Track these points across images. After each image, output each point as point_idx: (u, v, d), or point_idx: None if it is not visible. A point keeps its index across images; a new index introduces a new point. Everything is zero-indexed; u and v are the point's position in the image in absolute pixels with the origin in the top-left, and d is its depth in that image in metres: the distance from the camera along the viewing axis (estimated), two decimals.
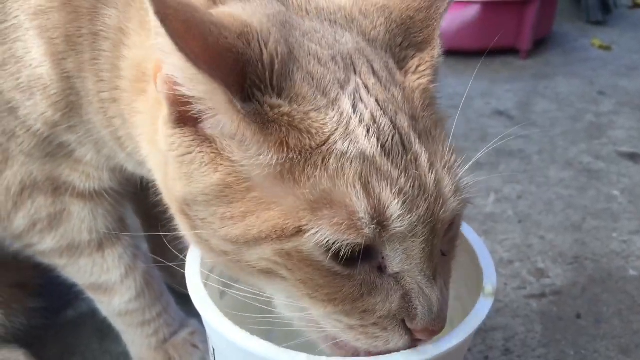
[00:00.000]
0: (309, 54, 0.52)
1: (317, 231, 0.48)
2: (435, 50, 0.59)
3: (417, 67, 0.58)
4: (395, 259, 0.51)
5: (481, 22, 2.11)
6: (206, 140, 0.52)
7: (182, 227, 0.59)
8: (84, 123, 0.69)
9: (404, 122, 0.52)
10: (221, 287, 0.68)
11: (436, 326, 0.52)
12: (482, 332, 1.00)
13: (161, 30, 0.44)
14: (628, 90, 1.95)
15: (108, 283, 0.84)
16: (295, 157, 0.49)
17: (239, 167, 0.50)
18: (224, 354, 0.58)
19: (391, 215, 0.48)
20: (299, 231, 0.49)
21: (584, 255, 1.20)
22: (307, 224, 0.48)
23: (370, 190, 0.48)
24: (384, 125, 0.51)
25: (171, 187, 0.56)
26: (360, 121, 0.50)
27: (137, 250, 0.86)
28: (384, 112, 0.52)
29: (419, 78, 0.57)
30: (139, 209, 1.02)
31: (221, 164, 0.51)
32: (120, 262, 0.83)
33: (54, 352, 0.96)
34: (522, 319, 1.04)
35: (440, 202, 0.51)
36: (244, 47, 0.48)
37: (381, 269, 0.52)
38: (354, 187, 0.48)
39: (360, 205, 0.48)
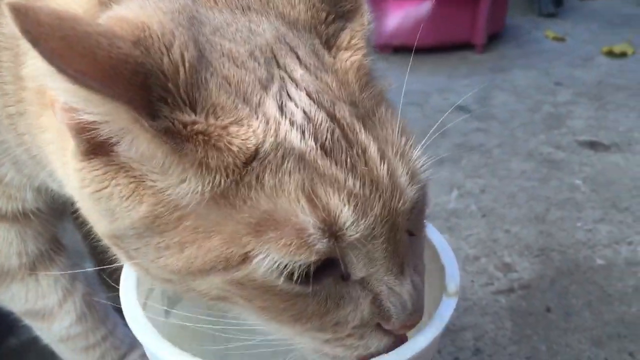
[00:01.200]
0: (223, 54, 0.46)
1: (265, 256, 0.42)
2: (365, 17, 0.52)
3: (349, 41, 0.51)
4: (357, 265, 0.46)
5: (435, 18, 2.10)
6: (121, 169, 0.44)
7: (119, 257, 0.52)
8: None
9: (343, 111, 0.46)
10: (164, 308, 0.62)
11: (413, 320, 0.48)
12: (450, 332, 0.96)
13: (35, 54, 0.37)
14: (584, 80, 1.95)
15: (45, 308, 0.77)
16: (221, 179, 0.43)
17: (165, 196, 0.44)
18: None
19: (344, 224, 0.43)
20: (246, 258, 0.43)
21: (550, 247, 1.18)
22: (252, 250, 0.43)
23: (316, 201, 0.42)
24: (320, 121, 0.45)
25: (94, 222, 0.49)
26: (292, 123, 0.44)
27: (75, 271, 0.80)
28: (318, 106, 0.46)
29: (352, 54, 0.51)
30: (79, 225, 0.95)
31: (145, 194, 0.44)
32: (57, 286, 0.77)
33: None
34: (491, 317, 1.01)
35: (398, 195, 0.45)
36: (142, 56, 0.40)
37: (345, 277, 0.47)
38: (297, 201, 0.42)
39: (308, 221, 0.42)
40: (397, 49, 2.00)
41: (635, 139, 1.58)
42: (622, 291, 1.06)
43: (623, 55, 2.13)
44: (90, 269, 0.96)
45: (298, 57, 0.48)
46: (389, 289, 0.47)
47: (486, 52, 2.19)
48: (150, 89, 0.41)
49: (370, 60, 0.51)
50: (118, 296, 0.92)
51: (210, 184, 0.43)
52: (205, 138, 0.42)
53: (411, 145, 0.48)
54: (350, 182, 0.43)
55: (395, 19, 2.07)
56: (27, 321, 0.80)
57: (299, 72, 0.47)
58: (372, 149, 0.45)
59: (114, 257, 1.00)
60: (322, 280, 0.45)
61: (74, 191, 0.51)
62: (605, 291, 1.06)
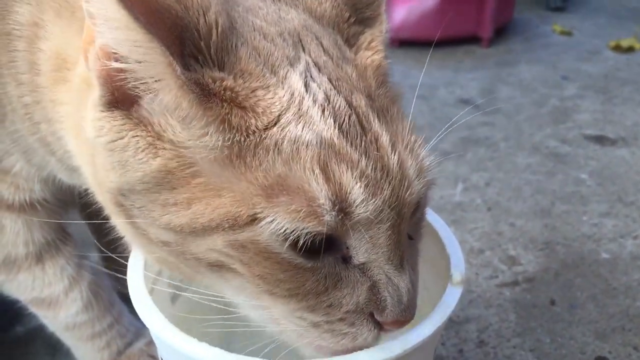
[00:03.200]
0: (254, 29, 0.48)
1: (273, 219, 0.43)
2: (383, 25, 0.56)
3: (370, 42, 0.55)
4: (360, 248, 0.46)
5: (442, 11, 2.09)
6: (140, 123, 0.46)
7: (116, 219, 0.53)
8: (10, 133, 0.63)
9: (360, 101, 0.48)
10: (172, 290, 0.63)
11: (406, 317, 0.48)
12: (455, 324, 0.97)
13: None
14: (591, 74, 1.94)
15: (51, 297, 0.78)
16: (241, 138, 0.44)
17: (182, 150, 0.45)
18: None
19: (354, 201, 0.44)
20: (254, 219, 0.44)
21: (555, 240, 1.17)
22: (262, 212, 0.44)
23: (330, 174, 0.44)
24: (340, 105, 0.47)
25: (103, 179, 0.50)
26: (314, 101, 0.46)
27: (81, 260, 0.80)
28: (338, 92, 0.48)
29: (372, 54, 0.54)
30: (85, 216, 0.96)
31: (162, 148, 0.45)
32: (63, 274, 0.77)
33: None
34: (496, 309, 1.01)
35: (406, 184, 0.46)
36: (182, 11, 0.43)
37: (346, 260, 0.47)
38: (312, 171, 0.43)
39: (320, 191, 0.43)
40: (404, 42, 2.00)
41: None
42: (627, 285, 1.06)
43: (630, 49, 2.12)
44: (96, 257, 0.97)
45: (322, 46, 0.51)
46: (387, 279, 0.47)
47: (493, 45, 2.18)
48: (185, 43, 0.43)
49: (388, 63, 0.54)
50: (124, 285, 0.93)
51: (230, 141, 0.44)
52: (232, 95, 0.44)
53: (420, 144, 0.49)
54: (362, 163, 0.45)
55: (402, 13, 2.06)
56: (34, 309, 0.81)
57: (322, 59, 0.50)
58: (385, 139, 0.47)
59: (120, 247, 1.01)
60: (324, 257, 0.46)
61: (84, 150, 0.53)
62: (610, 284, 1.06)
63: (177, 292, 0.64)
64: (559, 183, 1.36)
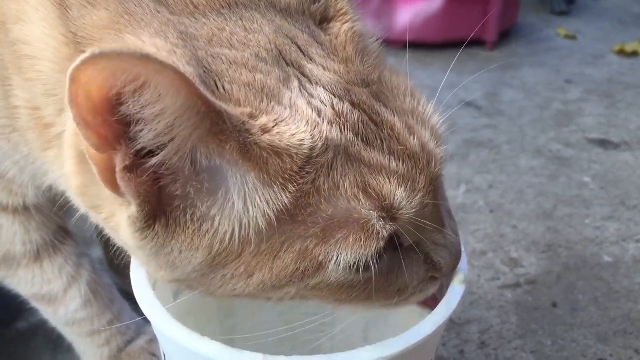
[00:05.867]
0: (231, 63, 0.44)
1: (337, 257, 0.44)
2: None
3: (337, 9, 0.51)
4: (410, 234, 0.47)
5: (446, 14, 2.09)
6: (178, 226, 0.44)
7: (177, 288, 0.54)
8: None
9: (360, 95, 0.47)
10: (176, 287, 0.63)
11: (457, 261, 0.52)
12: (456, 325, 0.96)
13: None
14: (594, 78, 1.94)
15: (51, 294, 0.78)
16: (279, 191, 0.42)
17: (221, 233, 0.44)
18: (174, 358, 0.53)
19: (399, 204, 0.44)
20: (320, 266, 0.45)
21: (557, 243, 1.17)
22: (324, 257, 0.44)
23: (371, 192, 0.44)
24: (347, 112, 0.45)
25: (151, 271, 0.51)
26: (329, 122, 0.44)
27: (80, 257, 0.80)
28: (339, 98, 0.46)
29: (343, 23, 0.50)
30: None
31: (202, 239, 0.44)
32: (62, 272, 0.77)
33: None
34: (497, 311, 1.01)
35: (433, 161, 0.47)
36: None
37: (396, 247, 0.48)
38: (356, 198, 0.43)
39: (370, 213, 0.43)
40: (409, 44, 2.00)
41: None
42: (629, 288, 1.06)
43: (634, 54, 2.11)
44: (98, 254, 0.97)
45: (301, 50, 0.48)
46: (436, 246, 0.49)
47: (497, 49, 2.18)
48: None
49: (360, 25, 0.51)
50: (125, 282, 0.93)
51: (269, 200, 0.43)
52: (269, 137, 0.41)
53: (425, 108, 0.49)
54: (393, 164, 0.45)
55: (407, 15, 2.07)
56: (35, 304, 0.81)
57: (307, 67, 0.47)
58: (398, 125, 0.46)
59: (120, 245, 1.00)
60: (382, 258, 0.46)
61: (122, 242, 0.51)
62: (612, 288, 1.06)
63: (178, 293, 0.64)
64: (562, 186, 1.36)
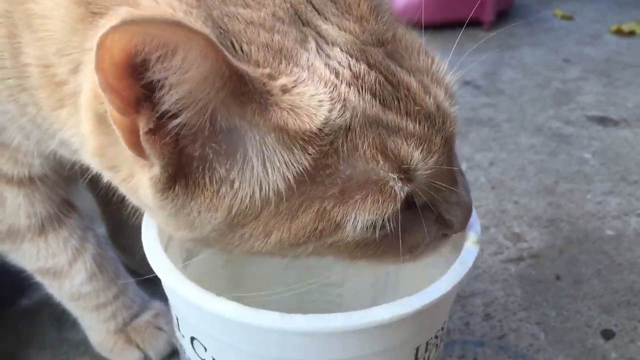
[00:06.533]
0: (247, 23, 0.44)
1: (355, 218, 0.44)
2: None
3: None
4: (424, 193, 0.47)
5: None
6: (197, 186, 0.44)
7: (192, 247, 0.55)
8: (1, 112, 0.60)
9: (376, 55, 0.46)
10: (184, 255, 0.63)
11: (468, 218, 0.53)
12: (461, 298, 0.97)
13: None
14: (592, 58, 1.94)
15: (56, 267, 0.78)
16: (299, 153, 0.43)
17: (239, 195, 0.44)
18: (189, 321, 0.53)
19: (416, 166, 0.44)
20: (338, 226, 0.45)
21: (559, 218, 1.17)
22: (343, 217, 0.44)
23: (389, 153, 0.43)
24: (364, 73, 0.45)
25: (170, 231, 0.50)
26: (347, 84, 0.44)
27: (85, 231, 0.79)
28: (355, 59, 0.45)
29: None
30: (91, 188, 0.95)
31: (221, 201, 0.44)
32: (67, 246, 0.77)
33: (10, 342, 0.89)
34: (501, 284, 1.01)
35: (448, 121, 0.47)
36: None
37: (410, 205, 0.48)
38: (375, 159, 0.43)
39: (388, 175, 0.43)
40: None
41: None
42: (632, 261, 1.06)
43: (632, 33, 2.11)
44: (102, 231, 0.96)
45: (316, 9, 0.47)
46: (448, 204, 0.50)
47: (494, 29, 2.17)
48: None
49: None
50: (128, 259, 0.93)
51: (288, 162, 0.43)
52: (290, 97, 0.41)
53: (439, 67, 0.49)
54: (410, 126, 0.44)
55: None
56: (39, 278, 0.80)
57: (322, 27, 0.47)
58: (414, 84, 0.46)
59: (124, 221, 1.00)
60: (397, 217, 0.46)
61: (126, 192, 0.51)
62: (614, 260, 1.06)
63: (190, 255, 0.64)
64: (563, 163, 1.36)
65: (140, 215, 1.02)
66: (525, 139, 1.46)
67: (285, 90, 0.42)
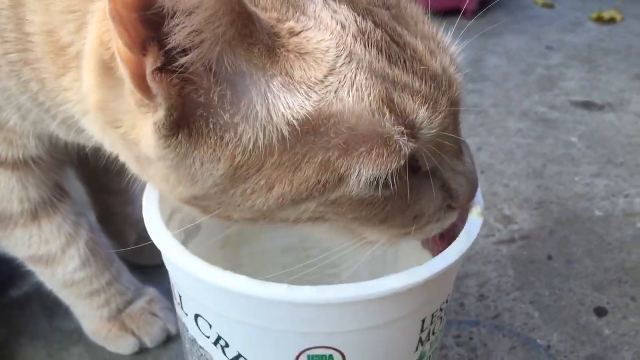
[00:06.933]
0: None
1: (359, 171, 0.43)
2: None
3: None
4: (428, 158, 0.48)
5: None
6: (200, 135, 0.43)
7: (194, 214, 0.52)
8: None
9: (382, 16, 0.46)
10: (182, 236, 0.62)
11: (474, 190, 0.52)
12: (455, 280, 0.97)
13: None
14: (574, 44, 1.95)
15: (49, 254, 0.76)
16: (303, 98, 0.42)
17: (243, 142, 0.43)
18: (193, 298, 0.52)
19: (422, 123, 0.44)
20: (341, 179, 0.44)
21: (548, 200, 1.18)
22: (346, 170, 0.44)
23: (395, 107, 0.43)
24: (370, 29, 0.45)
25: (167, 188, 0.49)
26: (354, 36, 0.43)
27: (78, 217, 0.78)
28: (362, 16, 0.45)
29: None
30: (81, 176, 0.94)
31: (223, 151, 0.43)
32: (60, 232, 0.76)
33: (1, 333, 0.88)
34: (494, 265, 1.01)
35: (454, 85, 0.46)
36: None
37: (415, 170, 0.48)
38: (381, 112, 0.43)
39: (394, 128, 0.43)
40: None
41: (627, 99, 1.59)
42: (621, 240, 1.07)
43: (612, 21, 2.13)
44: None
45: None
46: (453, 172, 0.50)
47: (476, 17, 2.17)
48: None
49: None
50: (119, 248, 0.91)
51: (293, 107, 0.42)
52: (297, 40, 0.42)
53: (444, 37, 0.49)
54: (416, 84, 0.44)
55: None
56: (31, 266, 0.79)
57: None
58: (421, 47, 0.46)
59: (114, 210, 0.99)
60: (402, 178, 0.45)
61: (127, 155, 0.51)
62: (604, 240, 1.07)
63: (188, 237, 0.63)
64: (550, 146, 1.37)
65: (129, 203, 1.01)
66: (512, 124, 1.47)
67: (292, 33, 0.42)
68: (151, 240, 1.03)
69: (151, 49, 0.39)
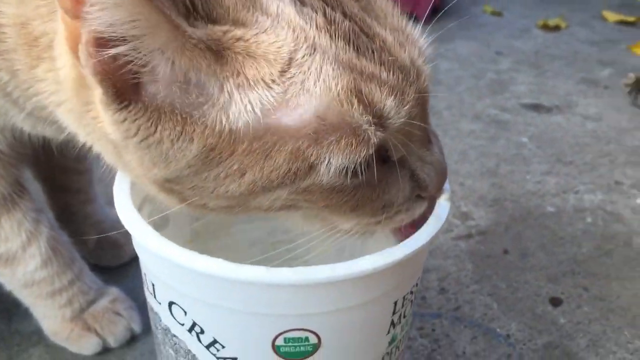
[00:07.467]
0: None
1: (330, 160, 0.44)
2: None
3: None
4: (397, 149, 0.49)
5: None
6: (162, 113, 0.44)
7: (168, 203, 0.52)
8: None
9: (352, 7, 0.47)
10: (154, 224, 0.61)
11: (443, 180, 0.54)
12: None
13: None
14: (523, 50, 2.02)
15: (9, 253, 0.74)
16: (264, 91, 0.43)
17: (212, 123, 0.44)
18: (167, 284, 0.52)
19: (389, 113, 0.45)
20: (312, 168, 0.45)
21: (503, 197, 1.22)
22: (317, 158, 0.44)
23: (363, 97, 0.44)
24: (339, 20, 0.46)
25: (141, 173, 0.49)
26: (318, 27, 0.44)
27: (39, 214, 0.77)
28: (331, 7, 0.46)
29: None
30: (39, 174, 0.92)
31: (193, 130, 0.44)
32: (20, 229, 0.74)
33: None
34: (453, 260, 1.04)
35: (422, 77, 0.48)
36: None
37: (384, 160, 0.49)
38: (348, 101, 0.43)
39: (362, 118, 0.44)
40: None
41: (574, 102, 1.66)
42: (573, 234, 1.12)
43: (557, 28, 2.22)
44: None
45: None
46: (422, 162, 0.51)
47: (429, 24, 2.23)
48: (174, 5, 0.40)
49: None
50: (79, 248, 0.90)
51: (254, 100, 0.43)
52: (245, 45, 0.42)
53: (413, 30, 0.51)
54: (384, 74, 0.45)
55: None
56: None
57: None
58: (390, 39, 0.47)
59: (73, 209, 0.97)
60: (371, 167, 0.47)
61: (101, 144, 0.51)
62: (557, 234, 1.12)
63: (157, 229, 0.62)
64: (502, 147, 1.42)
65: (89, 202, 1.00)
66: (465, 126, 1.51)
67: (239, 39, 0.43)
68: (110, 243, 1.01)
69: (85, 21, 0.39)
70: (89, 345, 0.81)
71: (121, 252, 0.98)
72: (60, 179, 0.92)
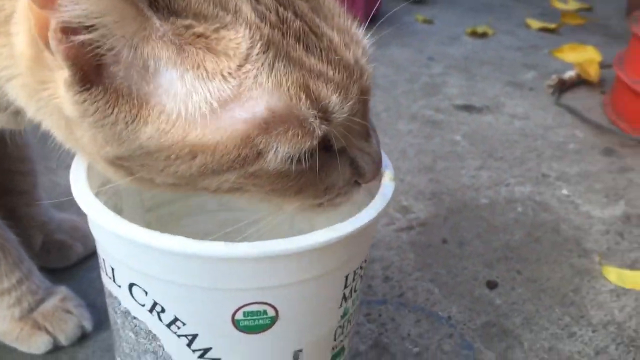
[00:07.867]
0: None
1: (277, 149, 0.48)
2: None
3: None
4: (338, 139, 0.52)
5: None
6: (121, 96, 0.46)
7: (115, 176, 0.53)
8: None
9: (302, 8, 0.51)
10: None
11: (378, 170, 0.58)
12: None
13: None
14: (453, 56, 2.11)
15: None
16: (221, 84, 0.46)
17: (168, 109, 0.46)
18: (127, 265, 0.53)
19: (333, 109, 0.48)
20: (259, 154, 0.48)
21: (440, 191, 1.28)
22: (265, 146, 0.47)
23: (310, 93, 0.47)
24: (290, 19, 0.49)
25: (93, 149, 0.50)
26: (272, 26, 0.47)
27: None
28: (283, 7, 0.49)
29: None
30: None
31: (149, 114, 0.46)
32: None
33: None
34: (396, 250, 1.09)
35: (365, 75, 0.52)
36: None
37: (327, 149, 0.53)
38: (297, 96, 0.47)
39: (309, 112, 0.47)
40: None
41: (502, 103, 1.75)
42: (505, 223, 1.19)
43: (484, 35, 2.33)
44: None
45: None
46: (361, 152, 0.55)
47: (365, 32, 2.30)
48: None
49: None
50: (26, 250, 0.89)
51: (211, 90, 0.46)
52: (205, 41, 0.45)
53: (357, 30, 0.55)
54: (330, 72, 0.48)
55: None
56: None
57: None
58: (337, 39, 0.50)
59: (19, 211, 0.96)
60: (314, 155, 0.50)
61: (53, 120, 0.52)
62: (491, 224, 1.18)
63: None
64: (437, 145, 1.48)
65: (34, 204, 0.99)
66: (403, 126, 1.57)
67: (200, 35, 0.45)
68: (57, 245, 1.00)
69: (54, 11, 0.41)
70: (39, 343, 0.81)
71: (68, 253, 0.97)
72: (4, 181, 0.91)
